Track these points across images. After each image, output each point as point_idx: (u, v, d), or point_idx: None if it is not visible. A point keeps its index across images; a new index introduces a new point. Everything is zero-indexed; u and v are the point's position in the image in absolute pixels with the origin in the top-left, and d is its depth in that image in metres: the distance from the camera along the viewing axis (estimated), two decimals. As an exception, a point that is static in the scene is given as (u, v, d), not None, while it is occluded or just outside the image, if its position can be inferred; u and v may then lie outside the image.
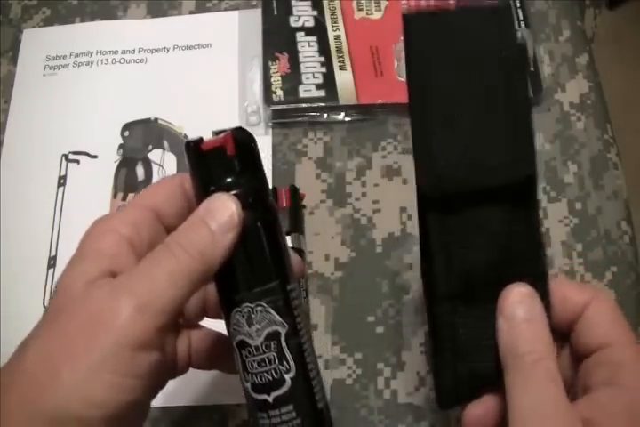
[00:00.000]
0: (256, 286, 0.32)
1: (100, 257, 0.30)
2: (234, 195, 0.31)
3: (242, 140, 0.32)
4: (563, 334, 0.33)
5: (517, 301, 0.31)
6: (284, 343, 0.32)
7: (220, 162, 0.32)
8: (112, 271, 0.30)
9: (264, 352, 0.32)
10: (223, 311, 0.33)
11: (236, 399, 0.47)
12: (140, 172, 0.56)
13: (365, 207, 0.53)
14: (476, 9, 0.34)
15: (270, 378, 0.32)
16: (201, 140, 0.33)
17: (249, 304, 0.32)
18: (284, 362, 0.32)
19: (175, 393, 0.47)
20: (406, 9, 0.36)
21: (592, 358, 0.31)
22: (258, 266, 0.32)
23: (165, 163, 0.56)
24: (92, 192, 0.55)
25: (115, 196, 0.55)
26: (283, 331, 0.32)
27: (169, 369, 0.34)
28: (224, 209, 0.31)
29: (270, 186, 0.52)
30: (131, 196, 0.55)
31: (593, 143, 0.54)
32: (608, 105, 0.56)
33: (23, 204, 0.55)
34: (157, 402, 0.47)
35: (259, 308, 0.32)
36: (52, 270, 0.53)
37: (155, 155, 0.56)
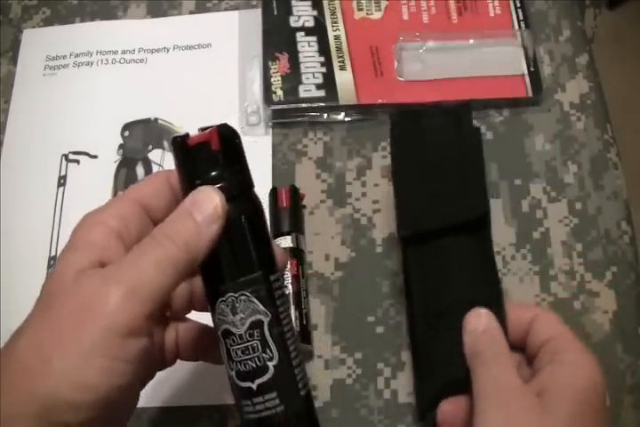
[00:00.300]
0: (240, 276, 0.33)
1: (90, 248, 0.32)
2: (218, 188, 0.33)
3: (226, 135, 0.33)
4: (519, 347, 0.39)
5: (477, 319, 0.38)
6: (267, 332, 0.33)
7: (204, 156, 0.33)
8: (101, 262, 0.31)
9: (248, 341, 0.33)
10: (209, 302, 0.34)
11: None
12: (140, 172, 0.56)
13: (365, 207, 0.53)
14: (442, 106, 0.48)
15: (254, 366, 0.33)
16: (187, 135, 0.34)
17: (233, 294, 0.33)
18: (267, 350, 0.33)
19: (175, 393, 0.47)
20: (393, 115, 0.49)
21: (540, 353, 0.37)
22: (241, 257, 0.33)
23: (165, 163, 0.56)
24: (92, 192, 0.55)
25: (115, 196, 0.55)
26: (266, 320, 0.33)
27: (157, 360, 0.35)
28: (209, 201, 0.32)
29: (270, 186, 0.52)
30: (131, 196, 0.55)
31: (593, 143, 0.54)
32: (608, 105, 0.56)
33: (23, 204, 0.55)
34: (157, 402, 0.47)
35: (242, 297, 0.33)
36: (51, 270, 0.52)
37: (155, 155, 0.56)
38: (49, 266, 0.53)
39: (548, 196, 0.52)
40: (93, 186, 0.55)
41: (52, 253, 0.53)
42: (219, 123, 0.34)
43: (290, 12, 0.58)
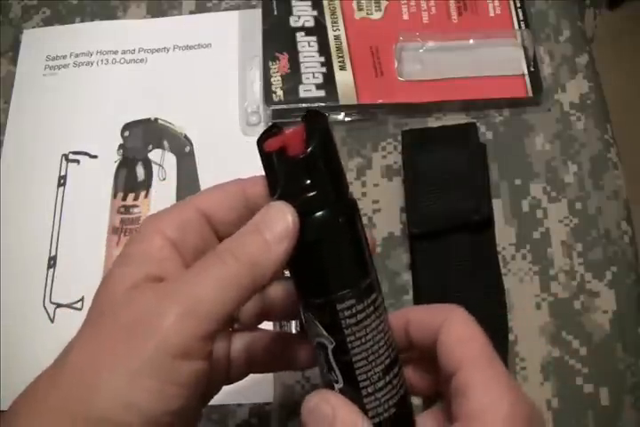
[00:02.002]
0: (306, 295, 0.31)
1: (145, 260, 0.30)
2: (299, 203, 0.29)
3: (312, 135, 0.29)
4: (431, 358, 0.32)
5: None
6: (331, 357, 0.31)
7: (284, 163, 0.29)
8: (157, 276, 0.29)
9: (318, 355, 0.31)
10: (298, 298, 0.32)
11: (236, 399, 0.47)
12: (140, 172, 0.56)
13: (365, 207, 0.53)
14: (452, 126, 0.53)
15: (326, 380, 0.31)
16: (272, 132, 0.30)
17: (304, 310, 0.31)
18: (332, 373, 0.31)
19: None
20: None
21: (451, 385, 0.30)
22: (313, 277, 0.30)
23: (165, 163, 0.56)
24: (92, 192, 0.55)
25: (115, 196, 0.55)
26: (329, 346, 0.30)
27: (220, 377, 0.33)
28: (279, 218, 0.29)
29: None
30: (131, 196, 0.55)
31: (593, 143, 0.54)
32: (608, 105, 0.56)
33: (23, 204, 0.55)
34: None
35: (309, 316, 0.31)
36: (51, 270, 0.52)
37: (155, 155, 0.56)
38: (49, 266, 0.53)
39: (548, 196, 0.52)
40: (93, 186, 0.55)
41: (52, 253, 0.53)
42: (308, 112, 0.30)
43: (290, 12, 0.58)
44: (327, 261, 0.30)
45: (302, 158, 0.29)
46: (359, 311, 0.30)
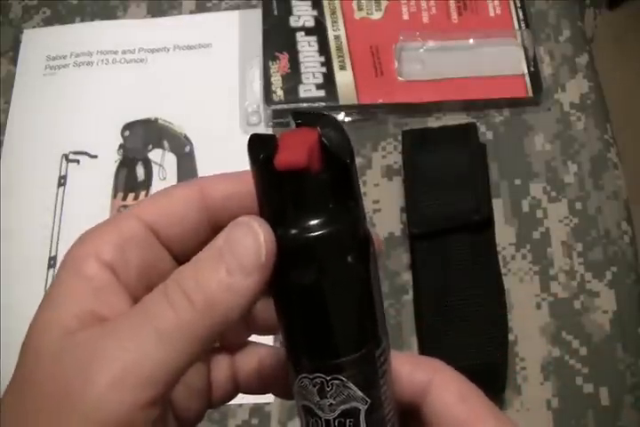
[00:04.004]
0: (333, 357, 0.24)
1: (79, 294, 0.23)
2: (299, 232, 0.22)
3: (336, 146, 0.22)
4: (412, 411, 0.28)
5: None
6: (362, 421, 0.25)
7: (295, 187, 0.22)
8: (95, 313, 0.23)
9: None
10: (287, 356, 0.25)
11: (236, 399, 0.47)
12: (140, 172, 0.56)
13: (365, 207, 0.52)
14: (452, 126, 0.53)
15: None
16: (269, 144, 0.22)
17: (322, 375, 0.24)
18: None
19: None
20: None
21: None
22: (337, 332, 0.24)
23: (165, 163, 0.56)
24: (92, 192, 0.55)
25: (115, 196, 0.55)
26: (363, 407, 0.24)
27: (201, 406, 0.28)
28: (249, 240, 0.22)
29: None
30: (131, 196, 0.55)
31: (593, 143, 0.54)
32: (608, 105, 0.56)
33: (23, 204, 0.55)
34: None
35: (335, 381, 0.24)
36: (51, 270, 0.53)
37: (155, 155, 0.56)
38: (49, 266, 0.53)
39: (548, 196, 0.52)
40: (93, 186, 0.55)
41: (52, 254, 0.53)
42: (315, 115, 0.23)
43: (290, 12, 0.58)
44: (359, 305, 0.24)
45: (321, 177, 0.22)
46: (387, 353, 0.25)
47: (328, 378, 0.24)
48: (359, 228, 0.23)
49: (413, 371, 0.27)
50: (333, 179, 0.22)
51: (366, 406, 0.24)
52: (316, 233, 0.22)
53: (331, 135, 0.22)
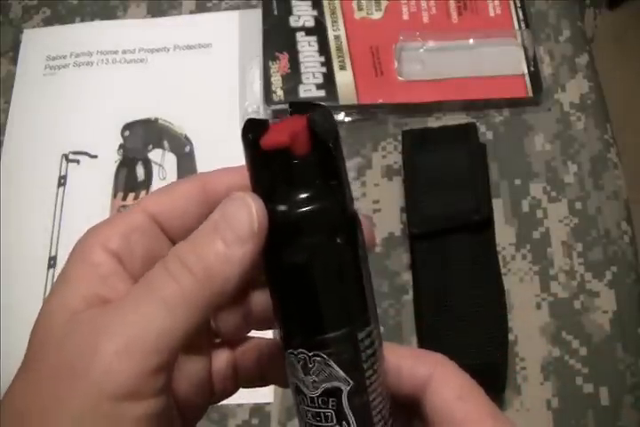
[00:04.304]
0: (314, 333, 0.24)
1: (86, 280, 0.25)
2: (299, 214, 0.23)
3: (322, 130, 0.24)
4: (410, 406, 0.28)
5: None
6: (345, 402, 0.25)
7: (283, 168, 0.24)
8: (102, 297, 0.25)
9: (320, 407, 0.25)
10: (278, 335, 0.26)
11: (237, 399, 0.47)
12: (140, 172, 0.56)
13: (365, 207, 0.53)
14: (452, 126, 0.53)
15: None
16: (256, 128, 0.24)
17: (305, 351, 0.25)
18: (344, 423, 0.25)
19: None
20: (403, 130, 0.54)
21: None
22: (319, 309, 0.24)
23: (165, 163, 0.56)
24: (92, 192, 0.55)
25: (115, 196, 0.55)
26: (345, 388, 0.25)
27: (202, 400, 0.29)
28: (242, 213, 0.24)
29: None
30: (131, 196, 0.55)
31: (593, 143, 0.54)
32: (608, 105, 0.56)
33: (23, 204, 0.55)
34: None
35: (317, 358, 0.24)
36: (52, 270, 0.53)
37: (155, 155, 0.56)
38: (49, 266, 0.53)
39: (548, 196, 0.52)
40: (93, 186, 0.55)
41: (52, 253, 0.53)
42: (309, 105, 0.25)
43: (290, 12, 0.58)
44: (355, 274, 0.25)
45: (308, 158, 0.24)
46: (374, 338, 0.26)
47: (310, 354, 0.24)
48: (344, 206, 0.24)
49: (415, 364, 0.27)
50: (319, 160, 0.24)
51: (348, 388, 0.25)
52: (303, 209, 0.23)
53: (318, 120, 0.24)
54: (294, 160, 0.24)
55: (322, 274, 0.24)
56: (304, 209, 0.23)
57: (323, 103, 0.25)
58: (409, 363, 0.27)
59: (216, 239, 0.24)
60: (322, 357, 0.24)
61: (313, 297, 0.24)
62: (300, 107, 0.25)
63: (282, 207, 0.24)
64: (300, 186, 0.24)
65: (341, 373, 0.25)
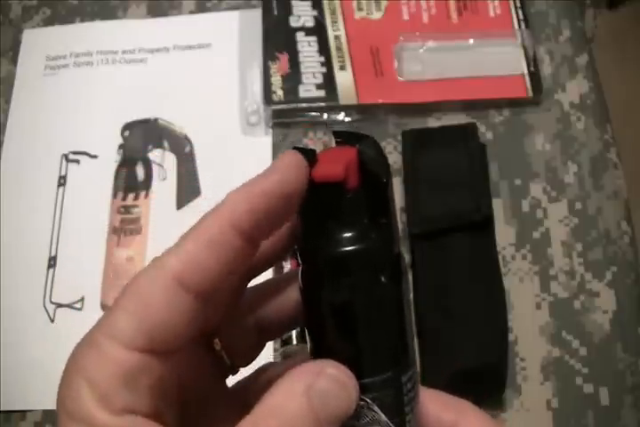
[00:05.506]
0: (359, 377, 0.23)
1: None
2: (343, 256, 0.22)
3: (370, 168, 0.23)
4: None
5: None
6: None
7: (332, 201, 0.22)
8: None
9: None
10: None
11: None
12: (140, 172, 0.56)
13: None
14: (452, 126, 0.53)
15: None
16: (309, 158, 0.23)
17: None
18: None
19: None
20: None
21: None
22: (365, 351, 0.23)
23: (165, 163, 0.56)
24: (92, 192, 0.55)
25: (115, 196, 0.55)
26: None
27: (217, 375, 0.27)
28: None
29: None
30: (131, 196, 0.55)
31: (593, 143, 0.54)
32: (608, 105, 0.56)
33: (23, 204, 0.55)
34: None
35: (360, 402, 0.23)
36: (52, 270, 0.53)
37: (155, 155, 0.56)
38: (49, 266, 0.53)
39: (548, 196, 0.52)
40: (93, 186, 0.55)
41: (52, 253, 0.53)
42: (355, 135, 0.23)
43: (290, 12, 0.58)
44: (389, 325, 0.24)
45: (358, 193, 0.22)
46: (415, 380, 0.24)
47: None
48: (392, 246, 0.23)
49: (441, 410, 0.27)
50: (370, 196, 0.22)
51: None
52: (350, 248, 0.22)
53: (369, 154, 0.23)
54: (344, 194, 0.22)
55: (367, 315, 0.23)
56: (351, 248, 0.22)
57: (368, 134, 0.24)
58: (436, 408, 0.27)
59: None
60: (365, 401, 0.23)
61: (359, 339, 0.23)
62: (345, 136, 0.24)
63: (329, 244, 0.22)
64: (348, 222, 0.22)
65: (384, 418, 0.23)
